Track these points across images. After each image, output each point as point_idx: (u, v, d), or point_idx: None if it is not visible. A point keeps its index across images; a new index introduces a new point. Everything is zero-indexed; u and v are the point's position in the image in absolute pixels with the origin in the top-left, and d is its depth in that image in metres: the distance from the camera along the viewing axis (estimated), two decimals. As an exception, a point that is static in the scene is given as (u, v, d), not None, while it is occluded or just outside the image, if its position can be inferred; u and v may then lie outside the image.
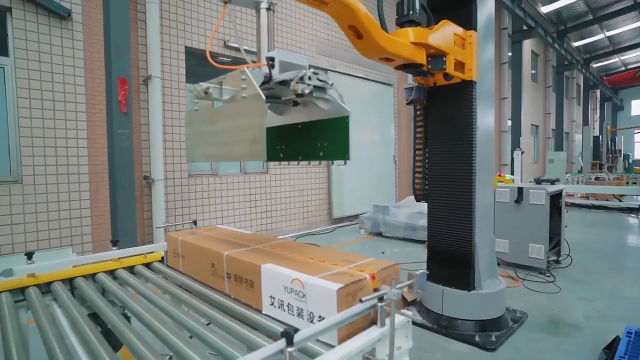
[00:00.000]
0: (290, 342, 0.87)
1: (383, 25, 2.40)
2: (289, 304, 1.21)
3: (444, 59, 2.65)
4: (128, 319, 1.46)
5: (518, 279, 4.11)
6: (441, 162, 3.02)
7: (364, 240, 6.40)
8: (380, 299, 1.12)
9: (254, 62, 1.48)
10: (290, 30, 6.97)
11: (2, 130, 4.09)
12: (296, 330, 0.88)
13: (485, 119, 3.03)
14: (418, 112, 3.14)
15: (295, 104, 1.54)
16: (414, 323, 3.01)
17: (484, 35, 2.97)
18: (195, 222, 2.32)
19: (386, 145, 9.16)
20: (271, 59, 1.36)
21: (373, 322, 1.18)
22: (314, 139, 1.49)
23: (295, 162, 1.65)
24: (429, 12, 2.90)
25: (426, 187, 3.14)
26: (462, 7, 2.89)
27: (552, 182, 4.68)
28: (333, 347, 1.06)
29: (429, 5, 2.99)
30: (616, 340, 2.41)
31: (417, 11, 2.59)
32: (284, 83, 1.34)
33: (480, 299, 2.83)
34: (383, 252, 5.44)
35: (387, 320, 1.15)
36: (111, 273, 1.89)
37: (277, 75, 1.35)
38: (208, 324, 1.28)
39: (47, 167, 4.24)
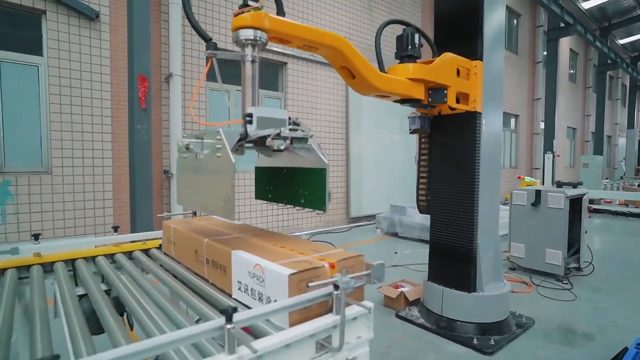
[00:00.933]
0: (229, 320, 0.91)
1: (380, 64, 2.51)
2: (252, 288, 1.26)
3: (445, 92, 2.63)
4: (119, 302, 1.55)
5: (532, 284, 3.95)
6: (444, 186, 2.99)
7: (379, 240, 6.36)
8: (336, 287, 1.14)
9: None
10: (311, 30, 7.01)
11: (35, 124, 4.40)
12: (235, 309, 0.92)
13: (492, 118, 2.95)
14: (423, 140, 3.14)
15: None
16: (413, 323, 2.98)
17: (491, 64, 2.86)
18: (194, 213, 2.41)
19: (408, 146, 9.03)
20: (249, 115, 1.40)
21: (330, 310, 1.20)
22: (297, 185, 1.57)
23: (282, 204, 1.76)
24: (432, 44, 2.89)
25: (429, 199, 3.13)
26: (468, 37, 2.81)
27: (574, 185, 4.46)
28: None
29: (435, 34, 2.97)
30: (623, 351, 2.28)
31: (416, 46, 2.61)
32: (263, 138, 1.37)
33: (481, 301, 2.76)
34: (396, 252, 5.38)
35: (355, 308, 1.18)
36: (111, 257, 2.00)
37: (254, 131, 1.38)
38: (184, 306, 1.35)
39: (74, 160, 4.52)
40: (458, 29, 2.87)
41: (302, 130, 1.47)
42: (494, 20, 2.87)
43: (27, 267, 1.77)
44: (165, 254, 2.04)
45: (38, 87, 4.38)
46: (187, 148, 1.42)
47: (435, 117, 2.97)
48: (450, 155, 2.93)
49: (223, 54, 1.53)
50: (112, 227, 2.20)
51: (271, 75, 6.71)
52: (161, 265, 1.82)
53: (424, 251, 5.41)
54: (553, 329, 2.93)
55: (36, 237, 1.95)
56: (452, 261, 2.90)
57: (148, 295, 1.40)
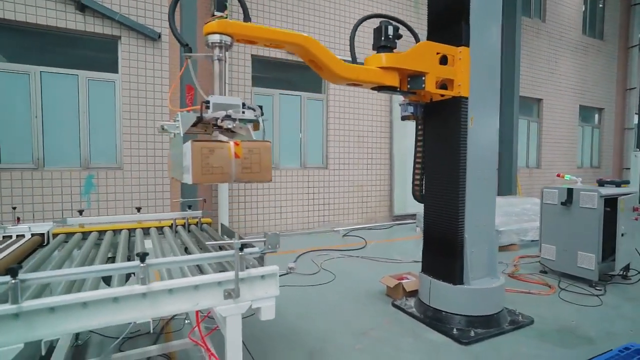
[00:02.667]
0: (14, 276, 1.15)
1: (353, 55, 2.85)
2: (185, 165, 1.62)
3: (423, 78, 2.74)
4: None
5: (554, 287, 3.73)
6: (436, 161, 3.05)
7: (417, 238, 6.35)
8: (241, 249, 1.47)
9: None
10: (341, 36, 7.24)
11: (111, 129, 5.40)
12: (20, 266, 1.20)
13: (484, 105, 2.92)
14: (419, 127, 3.23)
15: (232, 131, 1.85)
16: (405, 312, 3.10)
17: (479, 49, 2.85)
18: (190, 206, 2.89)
19: (459, 144, 8.72)
20: (207, 102, 1.72)
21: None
22: None
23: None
24: (415, 34, 3.12)
25: (424, 189, 3.21)
26: (453, 24, 2.85)
27: (618, 184, 4.05)
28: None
29: (428, 22, 3.08)
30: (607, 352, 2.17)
31: (390, 37, 2.76)
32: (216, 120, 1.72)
33: (466, 294, 2.79)
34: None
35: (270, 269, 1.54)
36: (133, 230, 2.54)
37: (209, 114, 1.71)
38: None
39: (139, 158, 5.44)
40: (445, 16, 2.92)
41: (255, 114, 1.79)
42: (483, 5, 2.85)
43: (73, 234, 2.38)
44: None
45: (114, 99, 5.38)
46: (162, 129, 1.79)
47: (428, 104, 3.05)
48: (441, 143, 2.99)
49: (195, 55, 2.12)
50: (136, 208, 2.77)
51: (315, 78, 7.10)
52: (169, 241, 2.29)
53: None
54: (552, 329, 2.82)
55: (81, 212, 2.59)
56: (440, 253, 2.97)
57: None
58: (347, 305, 3.30)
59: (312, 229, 6.86)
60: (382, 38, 2.73)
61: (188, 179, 1.56)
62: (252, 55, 6.28)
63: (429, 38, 2.98)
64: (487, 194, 2.98)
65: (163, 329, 2.73)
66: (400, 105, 3.18)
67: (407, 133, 7.94)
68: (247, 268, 1.52)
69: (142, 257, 1.33)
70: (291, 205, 6.73)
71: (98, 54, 5.32)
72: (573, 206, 3.91)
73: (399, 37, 2.81)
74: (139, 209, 2.77)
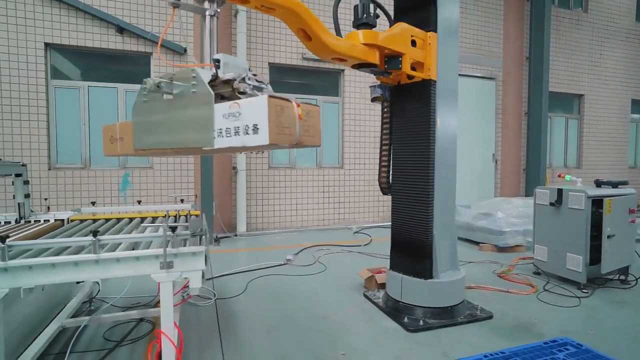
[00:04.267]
0: (3, 242, 1.68)
1: (337, 29, 2.81)
2: (227, 128, 1.42)
3: (400, 59, 2.87)
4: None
5: (536, 287, 3.72)
6: (404, 157, 3.23)
7: (427, 237, 6.43)
8: (173, 230, 1.89)
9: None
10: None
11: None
12: (7, 236, 1.74)
13: (447, 117, 3.10)
14: (385, 110, 3.40)
15: (223, 97, 1.68)
16: (372, 302, 3.35)
17: (445, 35, 3.04)
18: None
19: (484, 144, 8.53)
20: (217, 61, 1.59)
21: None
22: None
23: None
24: (388, 15, 3.20)
25: (390, 180, 3.38)
26: (422, 10, 3.05)
27: (615, 184, 3.91)
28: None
29: (396, 4, 3.23)
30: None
31: (372, 15, 2.82)
32: (228, 82, 1.56)
33: (425, 287, 2.97)
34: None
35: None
36: (131, 220, 3.09)
37: (223, 74, 1.56)
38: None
39: (167, 158, 6.16)
40: (415, 3, 3.07)
41: (259, 81, 1.67)
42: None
43: (85, 220, 2.98)
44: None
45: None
46: (157, 86, 1.52)
47: (395, 86, 3.18)
48: (409, 120, 3.12)
49: (185, 5, 1.74)
50: (137, 201, 3.33)
51: (331, 82, 7.43)
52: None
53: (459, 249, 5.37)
54: (507, 325, 2.91)
55: (93, 203, 3.20)
56: (411, 249, 3.12)
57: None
58: (322, 293, 3.62)
59: (327, 226, 7.19)
60: (365, 15, 2.75)
61: (260, 139, 1.34)
62: (269, 63, 6.76)
63: (395, 19, 3.12)
64: (450, 188, 3.15)
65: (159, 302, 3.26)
66: (370, 87, 3.28)
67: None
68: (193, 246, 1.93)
69: (94, 233, 1.80)
70: (307, 202, 7.12)
71: (134, 69, 6.13)
72: (562, 207, 3.86)
73: (378, 16, 2.87)
74: (139, 202, 3.33)
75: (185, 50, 6.14)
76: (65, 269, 1.77)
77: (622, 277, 3.89)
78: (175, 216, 3.15)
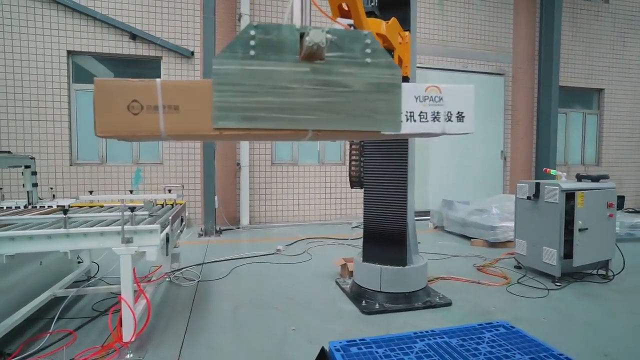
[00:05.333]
0: (65, 213, 2.09)
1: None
2: (422, 112, 1.27)
3: (392, 53, 2.93)
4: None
5: (509, 279, 3.77)
6: (380, 151, 3.39)
7: (425, 232, 6.50)
8: (132, 210, 2.20)
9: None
10: (371, 35, 7.59)
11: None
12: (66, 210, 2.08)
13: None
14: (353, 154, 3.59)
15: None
16: (340, 287, 3.54)
17: (413, 36, 3.17)
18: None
19: (492, 140, 8.43)
20: (352, 25, 1.73)
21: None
22: None
23: None
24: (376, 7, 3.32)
25: (361, 173, 3.55)
26: (401, 9, 3.17)
27: (596, 179, 3.87)
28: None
29: (377, 3, 3.37)
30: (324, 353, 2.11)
31: (376, 4, 2.87)
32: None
33: (386, 273, 3.13)
34: (419, 242, 5.55)
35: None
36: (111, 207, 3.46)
37: None
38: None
39: (176, 155, 6.61)
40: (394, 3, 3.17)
41: None
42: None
43: (83, 207, 3.38)
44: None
45: (157, 107, 6.62)
46: (318, 45, 1.03)
47: None
48: None
49: None
50: (129, 191, 3.70)
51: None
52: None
53: (449, 244, 5.43)
54: (464, 312, 3.02)
55: (91, 192, 3.61)
56: (387, 239, 3.27)
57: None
58: (298, 279, 3.85)
59: (328, 221, 7.41)
60: (372, 3, 2.80)
61: (465, 127, 1.22)
62: (272, 64, 7.06)
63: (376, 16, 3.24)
64: (411, 179, 3.30)
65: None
66: None
67: (428, 144, 7.98)
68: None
69: (65, 211, 2.14)
70: (309, 198, 7.37)
71: (145, 72, 6.62)
72: (540, 201, 3.88)
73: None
74: (131, 192, 3.71)
75: (192, 53, 6.56)
76: (41, 240, 2.12)
77: (603, 272, 3.86)
78: (162, 204, 3.48)
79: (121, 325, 2.22)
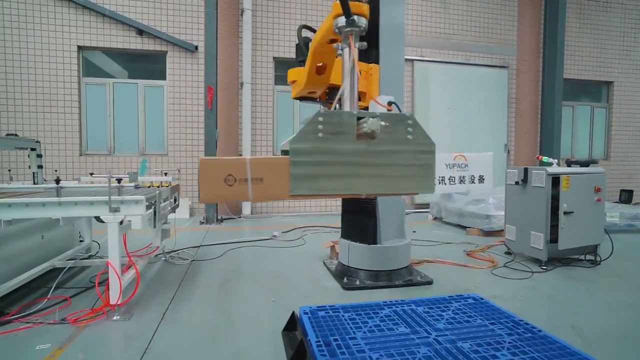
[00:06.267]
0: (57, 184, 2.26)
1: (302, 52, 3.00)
2: (451, 177, 1.92)
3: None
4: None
5: (496, 263, 3.81)
6: None
7: (424, 223, 6.54)
8: (119, 181, 2.36)
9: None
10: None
11: (160, 124, 6.90)
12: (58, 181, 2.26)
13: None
14: None
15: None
16: (326, 267, 3.65)
17: (387, 66, 3.22)
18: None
19: (495, 133, 8.38)
20: (391, 103, 1.83)
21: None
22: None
23: None
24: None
25: None
26: (371, 42, 3.20)
27: (585, 164, 3.87)
28: (81, 195, 2.39)
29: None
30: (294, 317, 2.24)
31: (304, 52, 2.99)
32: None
33: (367, 252, 3.23)
34: (414, 231, 5.62)
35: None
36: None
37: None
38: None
39: (180, 147, 6.83)
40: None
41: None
42: (389, 27, 3.24)
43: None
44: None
45: (163, 101, 6.87)
46: (373, 130, 1.36)
47: None
48: None
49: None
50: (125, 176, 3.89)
51: (335, 74, 7.73)
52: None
53: (444, 232, 5.47)
54: (442, 289, 3.09)
55: (91, 174, 3.82)
56: (357, 218, 3.41)
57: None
58: (289, 260, 3.98)
59: (328, 212, 7.52)
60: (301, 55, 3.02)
61: (485, 187, 1.69)
62: (273, 57, 7.22)
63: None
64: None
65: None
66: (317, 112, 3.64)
67: (429, 120, 8.01)
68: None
69: (57, 181, 2.32)
70: (311, 190, 7.49)
71: (151, 66, 6.87)
72: (528, 186, 3.90)
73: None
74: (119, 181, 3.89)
75: (196, 47, 6.76)
76: (35, 207, 2.31)
77: (591, 258, 3.86)
78: (158, 186, 3.65)
79: (109, 291, 2.39)
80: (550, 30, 7.94)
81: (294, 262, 3.93)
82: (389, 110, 1.77)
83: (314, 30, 3.15)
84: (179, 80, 6.81)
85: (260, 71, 7.15)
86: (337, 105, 1.88)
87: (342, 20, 1.78)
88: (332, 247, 3.93)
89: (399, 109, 1.80)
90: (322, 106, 3.47)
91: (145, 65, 6.88)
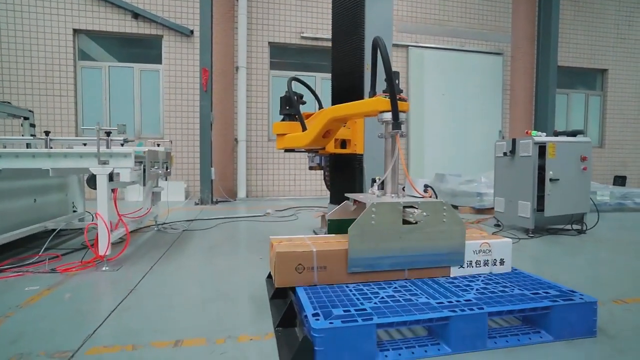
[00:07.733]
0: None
1: (302, 122, 2.90)
2: (477, 260, 1.93)
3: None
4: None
5: (484, 231, 3.84)
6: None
7: (417, 206, 6.59)
8: (108, 134, 2.41)
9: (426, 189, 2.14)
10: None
11: (156, 108, 6.94)
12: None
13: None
14: (326, 173, 3.84)
15: None
16: (315, 234, 3.70)
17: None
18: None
19: (489, 119, 8.43)
20: (427, 186, 2.14)
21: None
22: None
23: None
24: (319, 100, 3.63)
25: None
26: (352, 95, 3.23)
27: (572, 134, 3.92)
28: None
29: (332, 90, 3.59)
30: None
31: (294, 105, 3.04)
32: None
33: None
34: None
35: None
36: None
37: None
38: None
39: (176, 130, 6.88)
40: (347, 91, 3.38)
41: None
42: (377, 25, 3.30)
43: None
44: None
45: (159, 84, 6.91)
46: (415, 220, 1.76)
47: (332, 155, 3.52)
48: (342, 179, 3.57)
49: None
50: (121, 144, 3.94)
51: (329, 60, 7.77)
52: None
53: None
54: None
55: (84, 144, 3.87)
56: (343, 179, 3.48)
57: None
58: (279, 230, 4.04)
59: (323, 196, 7.56)
60: (287, 107, 3.05)
61: (504, 269, 1.90)
62: (269, 42, 7.27)
63: (333, 102, 3.50)
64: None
65: (140, 228, 3.86)
66: (308, 156, 3.80)
67: (423, 107, 8.05)
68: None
69: (47, 133, 2.37)
70: (304, 173, 7.54)
71: (147, 50, 6.92)
72: (515, 156, 3.95)
73: (304, 103, 3.12)
74: (122, 145, 3.94)
75: (192, 32, 6.81)
76: (25, 158, 2.36)
77: (578, 227, 3.90)
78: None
79: (98, 242, 2.44)
80: (545, 17, 7.97)
81: (284, 231, 3.98)
82: (425, 196, 1.99)
83: (304, 83, 3.34)
84: (174, 64, 6.86)
85: (256, 56, 7.20)
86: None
87: (388, 116, 1.98)
88: (323, 217, 3.98)
89: (435, 194, 2.06)
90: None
91: (141, 49, 6.94)
